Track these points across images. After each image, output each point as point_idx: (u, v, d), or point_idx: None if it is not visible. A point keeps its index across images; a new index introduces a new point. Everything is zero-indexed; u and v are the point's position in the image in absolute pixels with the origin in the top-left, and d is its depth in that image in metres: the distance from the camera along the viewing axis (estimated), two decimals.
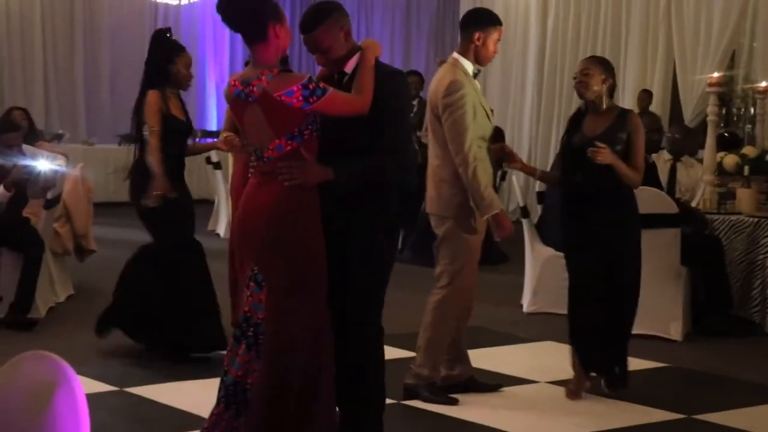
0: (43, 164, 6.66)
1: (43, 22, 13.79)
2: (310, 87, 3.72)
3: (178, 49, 5.87)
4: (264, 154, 3.85)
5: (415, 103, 10.22)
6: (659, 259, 6.44)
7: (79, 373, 5.39)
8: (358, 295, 3.95)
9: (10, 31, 13.54)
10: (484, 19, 5.11)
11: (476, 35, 5.00)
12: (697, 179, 7.60)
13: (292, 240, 3.81)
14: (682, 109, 11.07)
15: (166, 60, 5.78)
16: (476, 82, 5.08)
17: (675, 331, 6.59)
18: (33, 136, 8.06)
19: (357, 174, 3.88)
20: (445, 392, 5.13)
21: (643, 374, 5.54)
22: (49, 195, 6.89)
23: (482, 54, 5.03)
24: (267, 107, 3.77)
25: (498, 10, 12.86)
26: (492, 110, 5.35)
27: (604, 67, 5.08)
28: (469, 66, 5.03)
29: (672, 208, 6.54)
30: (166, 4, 14.41)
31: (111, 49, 14.42)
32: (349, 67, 3.95)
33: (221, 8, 3.80)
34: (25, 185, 6.67)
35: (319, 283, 3.85)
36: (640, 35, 11.49)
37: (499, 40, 5.08)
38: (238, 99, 3.85)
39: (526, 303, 7.38)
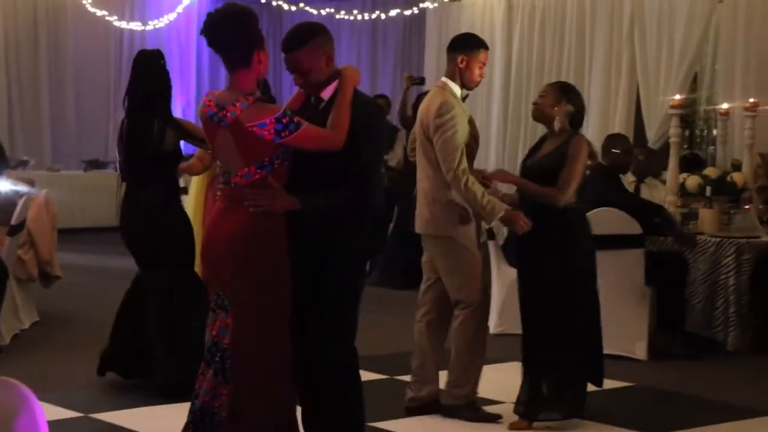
0: (3, 185, 6.63)
1: (7, 48, 13.68)
2: (284, 121, 3.72)
3: None
4: (231, 179, 3.85)
5: None
6: (624, 279, 6.50)
7: (44, 399, 5.33)
8: (333, 318, 3.95)
9: None
10: (468, 43, 5.24)
11: (459, 58, 5.13)
12: (661, 200, 7.68)
13: (257, 266, 3.80)
14: (645, 130, 11.18)
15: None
16: (464, 105, 5.17)
17: (640, 350, 6.64)
18: (2, 165, 7.95)
19: (324, 205, 3.88)
20: (482, 409, 5.28)
21: (608, 394, 5.57)
22: (14, 221, 6.84)
23: (467, 77, 5.14)
24: (238, 135, 3.76)
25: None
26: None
27: (562, 92, 5.12)
28: (456, 89, 5.15)
29: (636, 229, 6.61)
30: (131, 30, 14.39)
31: (76, 75, 14.33)
32: (326, 94, 3.94)
33: (209, 31, 3.82)
34: None
35: (284, 308, 3.85)
36: (604, 58, 11.59)
37: (484, 63, 5.17)
38: (210, 120, 3.84)
39: (493, 324, 7.40)
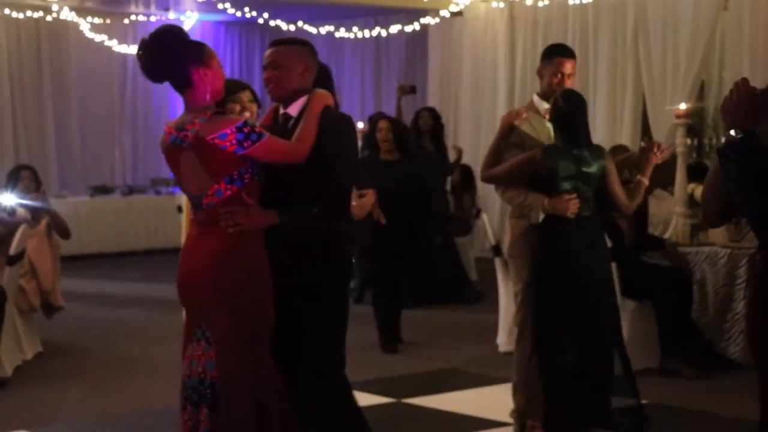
0: (8, 199, 6.55)
1: (11, 77, 13.66)
2: (245, 131, 3.62)
3: None
4: (203, 201, 3.71)
5: None
6: None
7: None
8: (320, 351, 3.85)
9: None
10: (543, 53, 5.26)
11: (537, 69, 5.22)
12: (669, 212, 7.56)
13: (238, 291, 3.66)
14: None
15: None
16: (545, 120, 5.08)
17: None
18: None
19: (302, 219, 3.78)
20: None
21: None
22: (12, 250, 6.76)
23: (543, 86, 5.18)
24: (201, 152, 3.66)
25: (467, 48, 12.98)
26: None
27: None
28: (539, 102, 5.16)
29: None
30: (134, 55, 14.31)
31: (80, 101, 14.29)
32: (294, 110, 3.88)
33: (141, 64, 3.71)
34: None
35: (268, 335, 3.73)
36: (609, 69, 11.50)
37: (560, 72, 5.08)
38: (173, 146, 3.73)
39: (502, 342, 7.28)
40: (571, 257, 4.87)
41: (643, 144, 5.29)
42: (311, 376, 3.84)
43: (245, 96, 4.62)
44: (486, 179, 5.11)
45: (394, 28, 13.28)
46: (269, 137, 3.67)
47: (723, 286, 6.75)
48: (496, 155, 5.04)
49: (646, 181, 5.15)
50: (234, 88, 4.66)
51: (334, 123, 3.83)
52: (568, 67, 5.10)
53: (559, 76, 5.08)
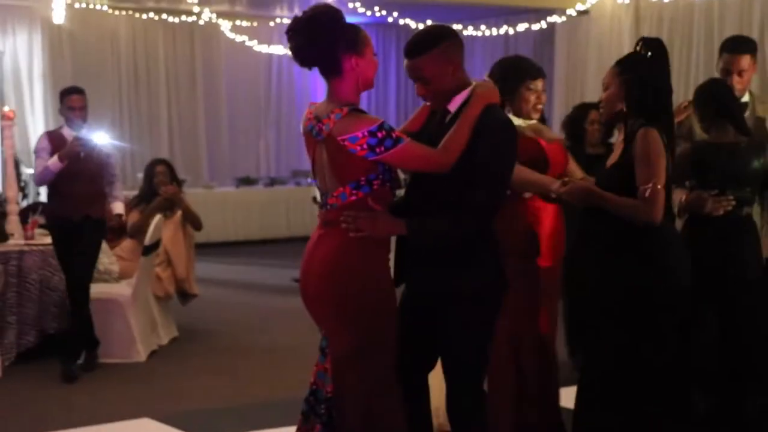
0: (101, 138, 6.55)
1: (167, 76, 14.47)
2: (379, 135, 3.27)
3: None
4: (328, 200, 3.42)
5: None
6: None
7: (165, 421, 5.41)
8: (463, 367, 3.55)
9: (138, 89, 14.25)
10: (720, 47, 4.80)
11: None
12: None
13: (355, 300, 3.34)
14: None
15: None
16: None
17: None
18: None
19: (433, 231, 3.39)
20: None
21: None
22: (147, 241, 7.01)
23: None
24: (331, 151, 3.34)
25: (593, 46, 12.93)
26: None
27: None
28: None
29: None
30: (279, 56, 14.85)
31: (229, 99, 14.93)
32: (453, 105, 3.46)
33: (291, 47, 3.41)
34: (78, 159, 6.38)
35: (389, 348, 3.41)
36: None
37: (725, 70, 4.63)
38: (310, 134, 3.44)
39: None
40: (705, 262, 4.28)
41: None
42: (458, 394, 3.53)
43: (541, 84, 4.17)
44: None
45: (522, 27, 13.35)
46: (407, 143, 3.31)
47: None
48: None
49: None
50: (534, 72, 4.18)
51: (491, 125, 3.38)
52: (743, 63, 4.61)
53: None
